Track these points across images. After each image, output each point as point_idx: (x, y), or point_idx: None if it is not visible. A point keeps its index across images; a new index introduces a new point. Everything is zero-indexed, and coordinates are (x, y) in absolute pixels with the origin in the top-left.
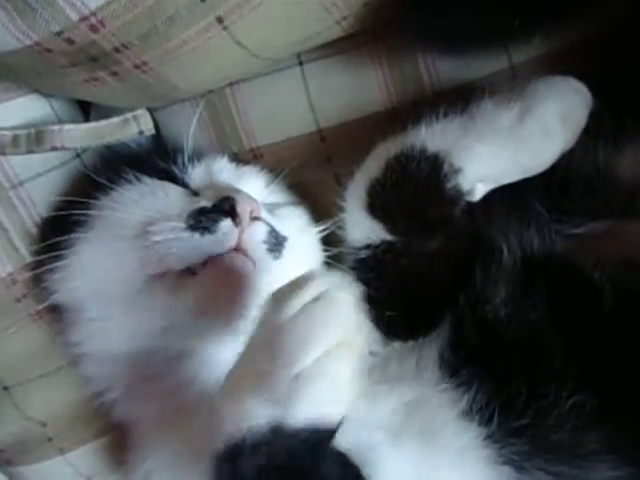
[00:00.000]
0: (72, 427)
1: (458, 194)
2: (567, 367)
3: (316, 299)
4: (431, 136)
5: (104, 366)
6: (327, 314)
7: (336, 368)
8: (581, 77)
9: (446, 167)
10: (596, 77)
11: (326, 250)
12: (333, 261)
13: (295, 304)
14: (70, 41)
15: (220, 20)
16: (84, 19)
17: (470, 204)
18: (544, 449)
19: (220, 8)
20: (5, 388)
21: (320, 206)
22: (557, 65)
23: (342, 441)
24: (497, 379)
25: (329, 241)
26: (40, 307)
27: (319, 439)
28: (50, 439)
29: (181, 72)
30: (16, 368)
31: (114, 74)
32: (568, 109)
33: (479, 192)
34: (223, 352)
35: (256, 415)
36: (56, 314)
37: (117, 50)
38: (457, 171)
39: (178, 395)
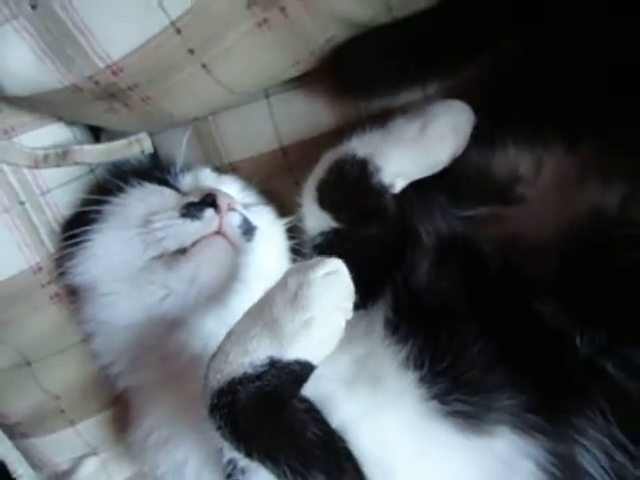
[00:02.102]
0: (82, 400)
1: (382, 187)
2: (472, 319)
3: (332, 272)
4: (360, 144)
5: (111, 339)
6: (340, 283)
7: (338, 321)
8: (472, 101)
9: (370, 167)
10: (479, 101)
11: (291, 239)
12: (297, 247)
13: (319, 271)
14: (97, 82)
15: (204, 66)
16: (109, 67)
17: (398, 199)
18: (460, 385)
19: (205, 56)
20: (28, 363)
21: (284, 206)
22: (458, 94)
23: (305, 392)
24: (426, 333)
25: (292, 233)
26: (60, 289)
27: (300, 376)
28: (63, 411)
29: (176, 104)
30: (39, 345)
31: (126, 105)
32: (457, 123)
33: (398, 185)
34: (210, 320)
35: (260, 352)
36: (73, 296)
37: (130, 88)
38: (379, 170)
39: (173, 361)
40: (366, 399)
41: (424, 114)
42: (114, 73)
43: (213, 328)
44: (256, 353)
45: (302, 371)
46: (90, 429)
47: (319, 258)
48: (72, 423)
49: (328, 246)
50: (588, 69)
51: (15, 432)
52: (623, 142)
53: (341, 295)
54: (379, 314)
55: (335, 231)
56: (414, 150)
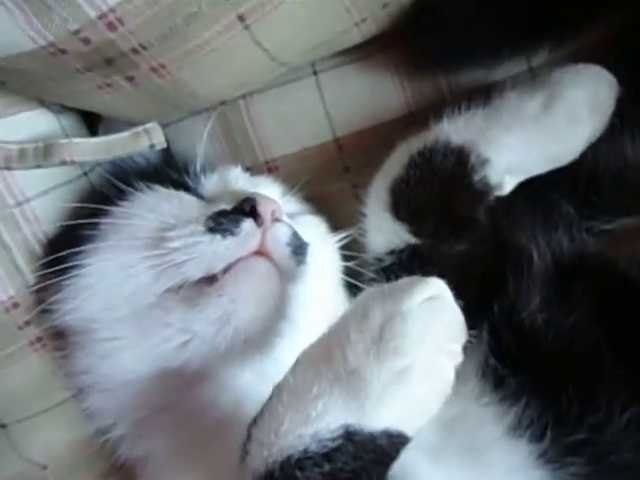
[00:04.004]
0: (74, 469)
1: (486, 187)
2: (618, 375)
3: (434, 297)
4: (455, 129)
5: (112, 397)
6: (446, 313)
7: (446, 371)
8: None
9: (473, 159)
10: (616, 71)
11: (346, 260)
12: (353, 271)
13: (417, 296)
14: (86, 41)
15: (242, 18)
16: (102, 16)
17: (492, 209)
18: (606, 470)
19: (242, 6)
20: (2, 426)
21: (337, 217)
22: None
23: None
24: (546, 391)
25: (349, 251)
26: (43, 332)
27: (388, 453)
28: None
29: (200, 76)
30: (15, 403)
31: (129, 79)
32: (595, 95)
33: (508, 185)
34: (246, 371)
35: (329, 419)
36: (59, 341)
37: (135, 51)
38: (485, 162)
39: (194, 424)
40: (460, 475)
41: (547, 84)
42: (111, 26)
43: (249, 381)
44: (323, 421)
45: (391, 447)
46: None
47: (412, 278)
48: None
49: (402, 269)
50: None
51: None
52: None
53: (449, 331)
54: (472, 361)
55: (411, 249)
56: (535, 135)
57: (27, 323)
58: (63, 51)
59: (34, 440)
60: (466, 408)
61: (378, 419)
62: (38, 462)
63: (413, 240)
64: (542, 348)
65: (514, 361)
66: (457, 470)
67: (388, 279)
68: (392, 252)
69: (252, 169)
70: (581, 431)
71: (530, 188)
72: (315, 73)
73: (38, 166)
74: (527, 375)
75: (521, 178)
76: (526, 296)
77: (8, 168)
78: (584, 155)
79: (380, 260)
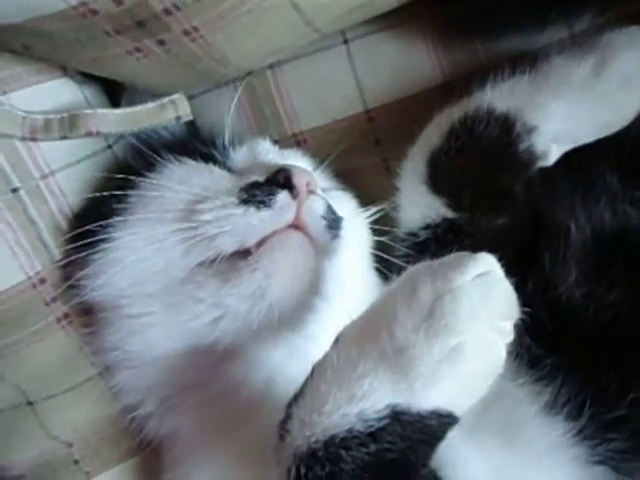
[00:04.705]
0: (100, 448)
1: (532, 157)
2: None
3: (485, 273)
4: (499, 95)
5: (140, 374)
6: (498, 290)
7: (498, 349)
8: None
9: (519, 126)
10: None
11: (377, 235)
12: (385, 246)
13: (468, 273)
14: (119, 1)
15: None
16: None
17: (531, 180)
18: None
19: None
20: (29, 403)
21: (368, 192)
22: None
23: None
24: (584, 368)
25: (380, 226)
26: (70, 308)
27: (436, 433)
28: (76, 461)
29: (232, 40)
30: (41, 381)
31: (160, 43)
32: None
33: (554, 154)
34: (278, 348)
35: (375, 399)
36: (87, 317)
37: (167, 12)
38: (531, 130)
39: (224, 402)
40: (495, 455)
41: (597, 47)
42: None
43: (281, 358)
44: (370, 400)
45: (440, 427)
46: None
47: (461, 254)
48: (88, 476)
49: (437, 244)
50: None
51: None
52: None
53: (501, 309)
54: None
55: (448, 223)
56: (585, 100)
57: (54, 299)
58: (94, 11)
59: (60, 418)
60: (501, 387)
61: (428, 399)
62: (64, 440)
63: (450, 214)
64: (581, 324)
65: (550, 339)
66: (493, 449)
67: (422, 255)
68: (427, 227)
69: (280, 142)
70: (621, 407)
71: (572, 158)
72: (346, 42)
73: (63, 137)
74: (564, 352)
75: (568, 147)
76: (563, 271)
77: (33, 139)
78: (630, 123)
79: (414, 235)
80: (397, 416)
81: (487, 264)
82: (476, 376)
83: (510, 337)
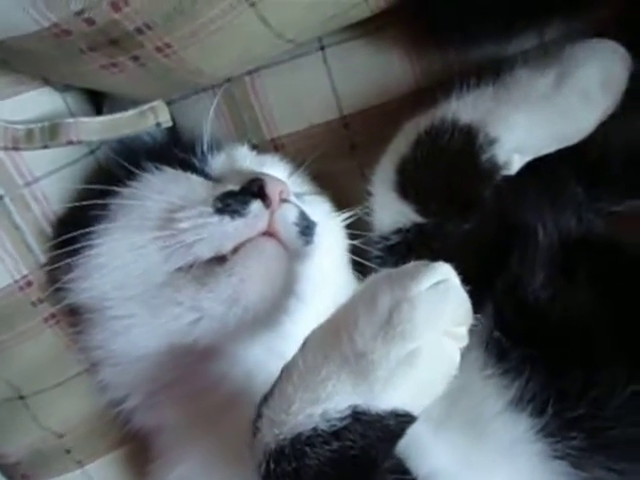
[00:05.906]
0: (90, 438)
1: (494, 167)
2: (620, 353)
3: (441, 282)
4: (463, 107)
5: (125, 370)
6: (453, 298)
7: (452, 353)
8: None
9: (481, 137)
10: (630, 46)
11: (352, 239)
12: (359, 249)
13: (424, 282)
14: (90, 21)
15: None
16: None
17: (499, 188)
18: (604, 445)
19: None
20: (21, 397)
21: (343, 196)
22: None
23: None
24: (549, 366)
25: (354, 230)
26: (56, 309)
27: (394, 432)
28: (68, 451)
29: (205, 54)
30: (32, 377)
31: (135, 59)
32: (607, 72)
33: (516, 164)
34: (256, 346)
35: (338, 400)
36: (73, 317)
37: (139, 31)
38: (493, 141)
39: (205, 397)
40: (462, 448)
41: (559, 61)
42: (115, 7)
43: (259, 356)
44: (332, 401)
45: (398, 426)
46: (101, 471)
47: (419, 263)
48: (80, 464)
49: (407, 248)
50: None
51: (16, 474)
52: None
53: (455, 315)
54: (477, 332)
55: (417, 228)
56: (545, 113)
57: (41, 300)
58: (67, 32)
59: (51, 411)
60: (469, 380)
61: (386, 400)
62: (55, 431)
63: (419, 219)
64: (546, 324)
65: (518, 335)
66: (459, 441)
67: (394, 257)
68: (398, 231)
69: (258, 147)
70: (582, 406)
71: (538, 167)
72: (322, 48)
73: (45, 146)
74: (530, 350)
75: (529, 157)
76: (530, 272)
77: (16, 149)
78: (594, 133)
79: (386, 239)
80: (358, 416)
81: (443, 273)
82: (432, 378)
83: (465, 342)
